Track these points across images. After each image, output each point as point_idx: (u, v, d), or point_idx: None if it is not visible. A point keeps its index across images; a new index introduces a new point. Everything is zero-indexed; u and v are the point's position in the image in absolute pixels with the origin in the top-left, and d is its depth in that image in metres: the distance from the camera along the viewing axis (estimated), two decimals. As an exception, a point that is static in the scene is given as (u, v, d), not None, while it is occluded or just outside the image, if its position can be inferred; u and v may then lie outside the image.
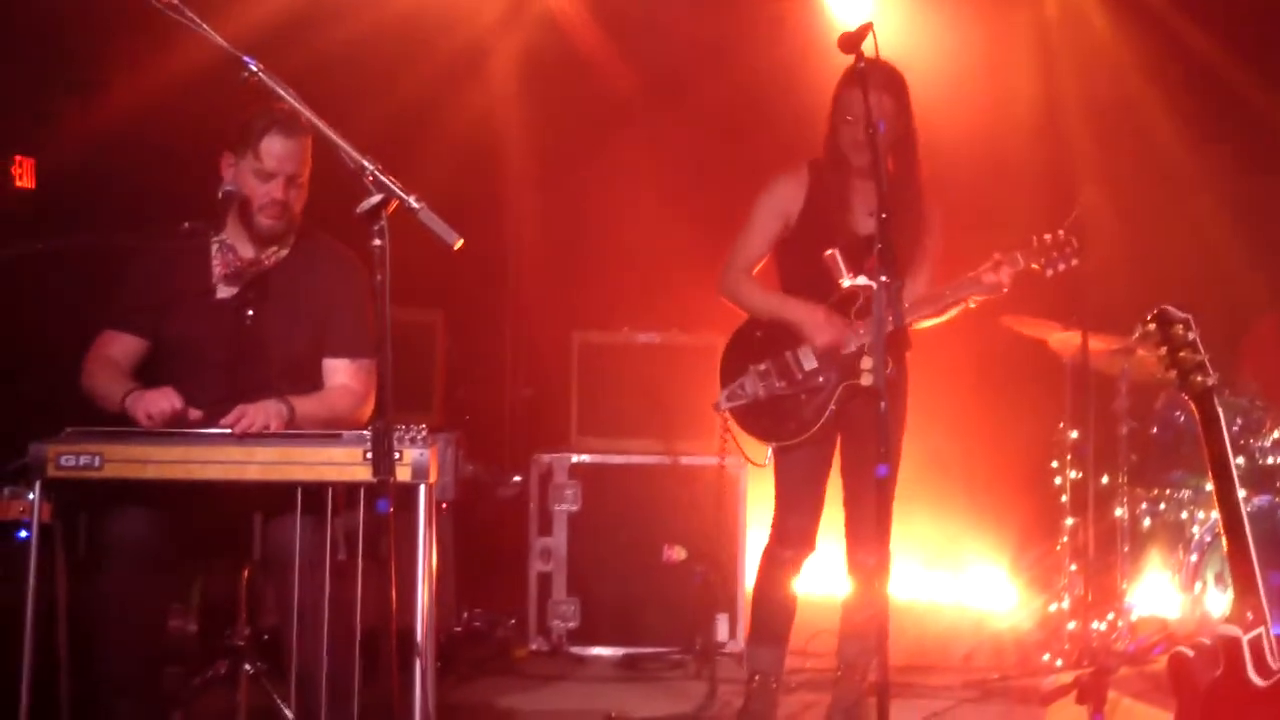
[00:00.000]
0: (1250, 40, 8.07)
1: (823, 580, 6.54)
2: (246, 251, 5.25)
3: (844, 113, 5.75)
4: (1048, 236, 5.72)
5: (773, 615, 6.01)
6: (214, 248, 5.25)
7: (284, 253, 5.29)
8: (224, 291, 5.24)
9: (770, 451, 5.92)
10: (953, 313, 5.85)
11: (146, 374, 5.21)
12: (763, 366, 5.85)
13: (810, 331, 5.78)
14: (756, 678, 5.98)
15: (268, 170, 5.14)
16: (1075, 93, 8.31)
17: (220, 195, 5.10)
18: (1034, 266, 5.71)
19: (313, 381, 5.28)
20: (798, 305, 5.83)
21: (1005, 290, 5.70)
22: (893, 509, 5.06)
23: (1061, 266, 5.74)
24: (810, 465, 5.91)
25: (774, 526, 5.97)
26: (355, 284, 5.34)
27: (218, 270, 5.24)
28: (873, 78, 4.91)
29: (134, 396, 4.95)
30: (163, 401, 4.91)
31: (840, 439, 5.96)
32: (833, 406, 5.78)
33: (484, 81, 8.31)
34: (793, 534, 5.91)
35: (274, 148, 5.13)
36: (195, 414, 4.94)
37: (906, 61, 5.72)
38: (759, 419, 5.88)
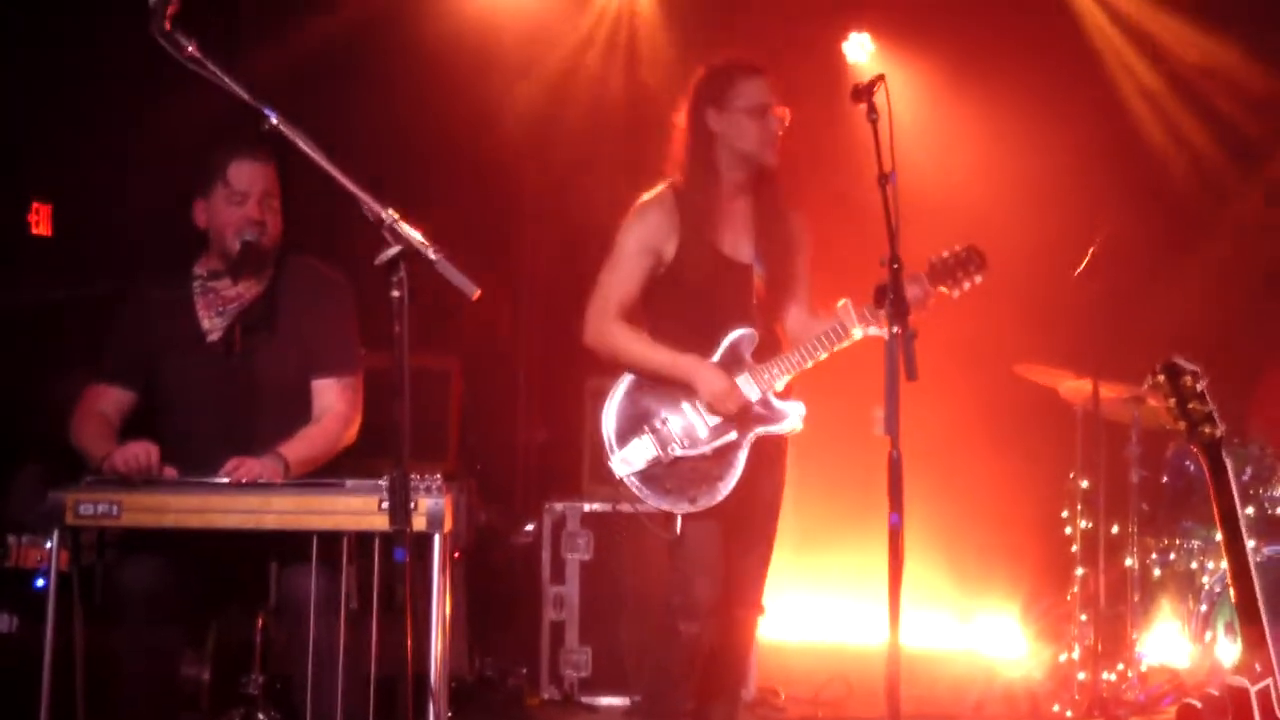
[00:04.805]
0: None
1: (826, 626, 6.51)
2: (229, 290, 5.29)
3: (754, 107, 5.25)
4: (945, 254, 5.20)
5: (680, 699, 5.35)
6: (196, 290, 5.28)
7: (265, 284, 5.31)
8: (212, 333, 5.25)
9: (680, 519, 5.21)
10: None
11: (138, 425, 5.20)
12: (660, 425, 5.22)
13: (712, 400, 5.16)
14: None
15: (240, 191, 5.17)
16: (1088, 138, 8.34)
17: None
18: (942, 290, 5.19)
19: (304, 409, 5.28)
20: (691, 365, 5.22)
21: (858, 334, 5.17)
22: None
23: (967, 285, 5.20)
24: (721, 527, 5.28)
25: (680, 598, 5.25)
26: (337, 302, 5.38)
27: (203, 312, 5.27)
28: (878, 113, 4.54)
29: (109, 462, 4.88)
30: (132, 453, 4.85)
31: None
32: (743, 458, 5.20)
33: (498, 127, 8.35)
34: (705, 603, 5.22)
35: (242, 170, 5.18)
36: (170, 472, 4.90)
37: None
38: (662, 483, 5.20)
